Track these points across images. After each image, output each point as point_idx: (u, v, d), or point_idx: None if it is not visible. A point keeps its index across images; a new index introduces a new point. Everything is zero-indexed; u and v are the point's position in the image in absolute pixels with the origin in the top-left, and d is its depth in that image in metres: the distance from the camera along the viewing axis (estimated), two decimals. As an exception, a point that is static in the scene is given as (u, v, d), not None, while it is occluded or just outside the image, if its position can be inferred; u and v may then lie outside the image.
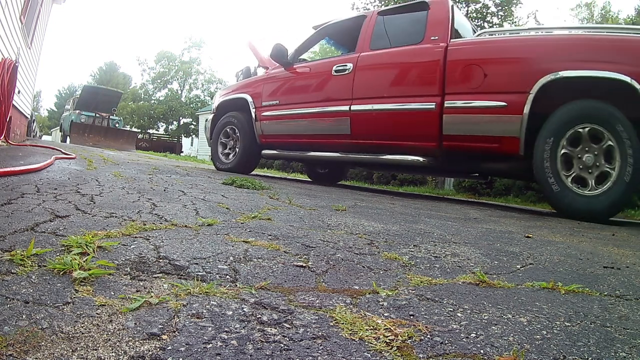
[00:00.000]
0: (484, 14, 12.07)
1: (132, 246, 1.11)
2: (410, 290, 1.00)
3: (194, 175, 3.65)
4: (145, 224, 1.37)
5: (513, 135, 3.05)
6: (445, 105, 3.31)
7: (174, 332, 0.68)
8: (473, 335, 0.76)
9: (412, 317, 0.83)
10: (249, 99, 4.74)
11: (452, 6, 3.67)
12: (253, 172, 5.72)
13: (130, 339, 0.64)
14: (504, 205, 5.64)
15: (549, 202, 3.22)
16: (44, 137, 25.76)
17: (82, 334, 0.64)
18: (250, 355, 0.63)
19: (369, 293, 0.97)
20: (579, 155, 2.89)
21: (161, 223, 1.42)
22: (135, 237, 1.20)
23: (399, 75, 3.77)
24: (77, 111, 14.88)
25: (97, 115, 14.50)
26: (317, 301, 0.89)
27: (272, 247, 1.27)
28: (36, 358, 0.57)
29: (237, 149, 4.91)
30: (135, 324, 0.69)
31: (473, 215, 2.75)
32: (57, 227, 1.20)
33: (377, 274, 1.13)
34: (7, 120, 5.06)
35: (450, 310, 0.88)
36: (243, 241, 1.30)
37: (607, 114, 2.78)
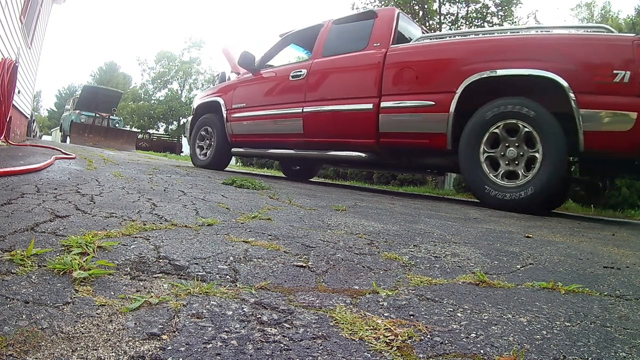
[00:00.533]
0: (484, 14, 12.06)
1: (132, 246, 1.11)
2: (410, 290, 1.00)
3: (194, 175, 3.65)
4: (145, 224, 1.37)
5: (441, 132, 3.31)
6: (381, 105, 3.62)
7: (174, 332, 0.68)
8: (473, 335, 0.76)
9: (412, 317, 0.83)
10: (222, 101, 5.18)
11: (398, 14, 4.00)
12: (253, 172, 5.81)
13: (130, 339, 0.64)
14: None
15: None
16: (44, 137, 25.73)
17: (82, 334, 0.64)
18: (250, 355, 0.63)
19: (369, 293, 0.97)
20: (502, 153, 3.12)
21: (161, 223, 1.42)
22: (135, 237, 1.20)
23: (345, 79, 4.07)
24: (77, 111, 14.88)
25: (97, 115, 14.50)
26: (317, 301, 0.89)
27: (272, 247, 1.27)
28: (36, 358, 0.57)
29: (211, 148, 5.37)
30: (135, 324, 0.69)
31: (473, 215, 2.75)
32: (57, 227, 1.20)
33: (377, 274, 1.13)
34: (7, 120, 5.06)
35: (450, 310, 0.88)
36: (243, 241, 1.30)
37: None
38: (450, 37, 3.92)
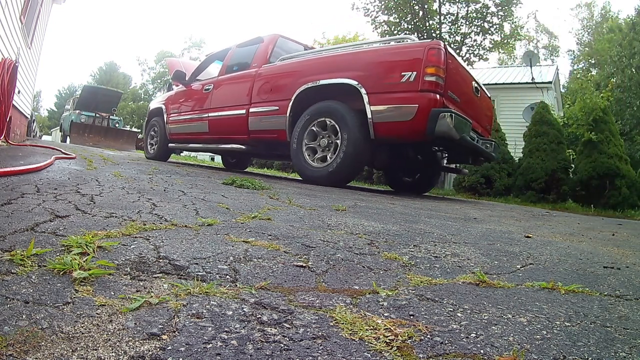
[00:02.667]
0: (484, 14, 12.07)
1: (132, 246, 1.11)
2: (410, 290, 1.00)
3: (194, 175, 3.65)
4: (145, 224, 1.37)
5: (283, 129, 4.43)
6: (250, 111, 4.82)
7: (174, 332, 0.68)
8: (473, 335, 0.76)
9: (412, 317, 0.83)
10: (163, 108, 6.59)
11: (277, 40, 5.15)
12: (253, 172, 5.97)
13: (130, 339, 0.64)
14: (504, 205, 5.64)
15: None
16: (44, 137, 25.68)
17: (82, 334, 0.64)
18: (250, 355, 0.63)
19: (369, 293, 0.97)
20: (318, 143, 4.11)
21: (161, 223, 1.42)
22: (135, 237, 1.20)
23: (232, 92, 5.25)
24: (77, 111, 14.86)
25: (97, 115, 14.47)
26: (317, 301, 0.89)
27: (272, 247, 1.27)
28: (36, 358, 0.57)
29: (157, 144, 6.81)
30: (135, 324, 0.69)
31: (473, 215, 2.75)
32: (57, 227, 1.20)
33: (377, 274, 1.13)
34: (7, 120, 5.06)
35: (450, 310, 0.88)
36: (243, 241, 1.30)
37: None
38: (300, 56, 4.81)
